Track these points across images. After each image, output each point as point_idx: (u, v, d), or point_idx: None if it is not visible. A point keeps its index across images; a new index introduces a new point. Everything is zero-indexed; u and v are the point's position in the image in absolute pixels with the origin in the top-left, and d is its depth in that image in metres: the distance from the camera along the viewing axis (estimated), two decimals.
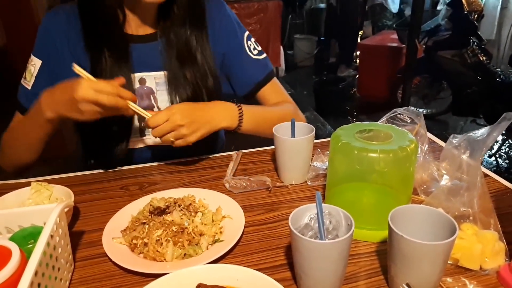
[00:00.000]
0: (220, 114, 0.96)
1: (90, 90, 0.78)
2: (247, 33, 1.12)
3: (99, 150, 1.04)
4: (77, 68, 0.82)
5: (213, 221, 0.74)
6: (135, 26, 0.99)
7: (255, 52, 1.12)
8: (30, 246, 0.61)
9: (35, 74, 0.97)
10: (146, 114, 0.87)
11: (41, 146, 0.97)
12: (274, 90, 1.14)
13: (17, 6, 2.81)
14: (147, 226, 0.71)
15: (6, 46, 2.90)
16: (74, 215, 0.80)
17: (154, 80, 1.02)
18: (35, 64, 0.98)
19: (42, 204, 0.78)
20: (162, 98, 1.04)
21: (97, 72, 0.93)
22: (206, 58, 1.02)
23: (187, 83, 1.00)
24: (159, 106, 1.04)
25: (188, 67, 1.00)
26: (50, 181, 0.84)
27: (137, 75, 1.01)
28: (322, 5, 6.08)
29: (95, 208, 0.84)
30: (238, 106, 0.99)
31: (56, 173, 0.99)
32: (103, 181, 0.96)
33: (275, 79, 1.15)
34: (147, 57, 1.01)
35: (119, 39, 0.96)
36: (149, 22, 1.00)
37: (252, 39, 1.13)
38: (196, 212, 0.75)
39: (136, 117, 1.02)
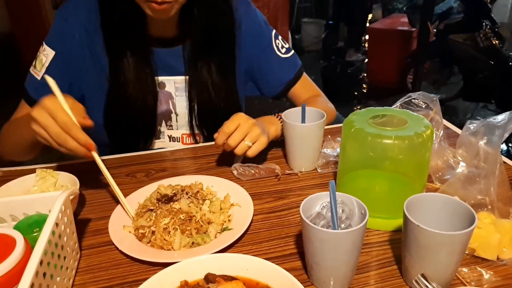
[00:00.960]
0: (267, 125, 0.92)
1: (44, 113, 0.69)
2: (274, 31, 1.08)
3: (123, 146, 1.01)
4: (49, 81, 0.72)
5: (221, 209, 0.73)
6: (157, 28, 0.95)
7: (283, 50, 1.08)
8: (35, 234, 0.60)
9: (46, 65, 0.93)
10: (105, 171, 0.76)
11: (39, 150, 0.93)
12: (304, 86, 1.12)
13: (26, 7, 2.80)
14: (154, 214, 0.70)
15: (11, 33, 2.89)
16: (79, 202, 0.79)
17: (174, 85, 1.00)
18: (47, 54, 0.94)
19: (47, 191, 0.76)
20: (181, 103, 1.02)
21: (117, 74, 0.92)
22: (230, 63, 0.99)
23: (207, 89, 0.97)
24: (177, 111, 1.02)
25: (210, 72, 0.97)
26: (55, 168, 0.83)
27: (157, 79, 0.98)
28: None
29: (101, 195, 0.82)
30: (277, 116, 0.96)
31: (62, 159, 0.98)
32: (109, 168, 0.93)
33: (304, 75, 1.12)
34: (169, 61, 0.98)
35: (141, 42, 0.93)
36: (172, 24, 0.96)
37: (280, 37, 1.09)
38: (204, 200, 0.73)
39: (161, 121, 1.02)
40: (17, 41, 2.78)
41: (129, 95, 0.94)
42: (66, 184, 0.78)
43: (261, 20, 1.07)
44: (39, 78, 0.94)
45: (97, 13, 0.92)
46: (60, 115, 0.68)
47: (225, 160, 0.94)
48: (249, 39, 1.01)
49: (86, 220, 0.75)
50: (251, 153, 0.85)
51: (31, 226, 0.62)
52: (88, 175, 0.89)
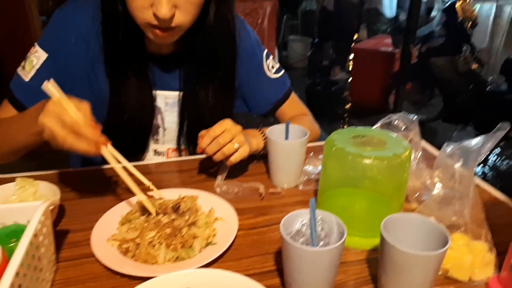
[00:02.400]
0: (250, 137, 0.93)
1: (50, 118, 0.68)
2: (266, 51, 1.10)
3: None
4: (49, 86, 0.71)
5: (206, 223, 0.73)
6: (154, 45, 0.94)
7: (273, 70, 1.10)
8: (12, 245, 0.59)
9: (37, 67, 0.91)
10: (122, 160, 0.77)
11: (25, 151, 0.90)
12: (292, 106, 1.14)
13: (12, 13, 2.77)
14: (139, 227, 0.70)
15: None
16: (59, 213, 0.78)
17: (165, 100, 1.00)
18: (39, 56, 0.91)
19: (27, 201, 0.76)
20: (170, 119, 1.02)
21: (116, 90, 0.92)
22: (229, 85, 1.01)
23: (202, 107, 0.98)
24: (165, 126, 1.03)
25: (207, 93, 0.98)
26: (36, 177, 0.82)
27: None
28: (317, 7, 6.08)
29: (82, 206, 0.82)
30: (260, 131, 0.98)
31: (43, 168, 0.96)
32: (91, 179, 0.93)
33: (293, 94, 1.14)
34: (163, 77, 0.98)
35: (140, 59, 0.93)
36: (170, 43, 0.94)
37: (271, 57, 1.11)
38: (190, 214, 0.74)
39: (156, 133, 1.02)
40: (4, 60, 2.75)
41: (127, 110, 0.94)
42: (47, 194, 0.78)
43: (254, 40, 1.08)
44: (27, 79, 0.92)
45: (94, 22, 0.90)
46: (66, 117, 0.68)
47: (209, 174, 0.94)
48: (242, 58, 1.03)
49: (64, 231, 0.74)
50: (234, 159, 0.86)
51: (8, 236, 0.61)
52: (69, 185, 0.88)
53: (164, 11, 0.76)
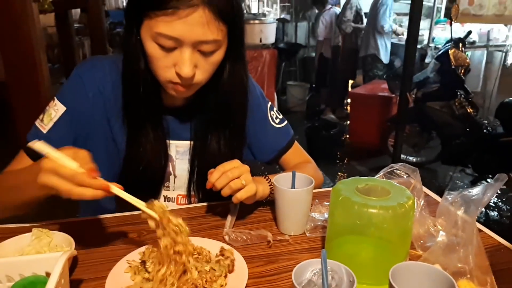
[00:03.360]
0: (256, 183, 0.95)
1: (48, 175, 0.71)
2: (269, 103, 1.17)
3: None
4: (38, 145, 0.73)
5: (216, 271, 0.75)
6: (169, 97, 0.98)
7: (277, 121, 1.16)
8: None
9: (55, 120, 0.95)
10: (135, 201, 0.79)
11: (36, 202, 0.89)
12: (295, 154, 1.19)
13: (17, 43, 2.88)
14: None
15: (3, 82, 2.94)
16: (72, 262, 0.79)
17: (175, 148, 1.05)
18: (58, 109, 0.96)
19: (42, 251, 0.77)
20: (181, 166, 1.06)
21: (134, 142, 0.96)
22: (240, 136, 1.06)
23: (213, 156, 1.01)
24: (176, 174, 1.06)
25: (219, 143, 1.02)
26: (48, 227, 0.84)
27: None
28: (314, 54, 6.30)
29: (95, 255, 0.83)
30: (265, 178, 1.02)
31: (48, 210, 0.96)
32: (101, 228, 0.95)
33: (295, 143, 1.20)
34: (175, 127, 1.03)
35: (156, 110, 0.98)
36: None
37: (274, 109, 1.18)
38: (207, 262, 0.76)
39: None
40: (9, 90, 2.83)
41: (143, 160, 0.98)
42: (61, 244, 0.79)
43: (259, 93, 1.15)
44: (44, 131, 0.95)
45: (113, 74, 0.95)
46: (62, 171, 0.70)
47: (218, 222, 0.97)
48: (249, 109, 1.07)
49: (78, 281, 0.75)
50: (240, 195, 0.89)
51: (26, 287, 0.63)
52: (82, 234, 0.90)
53: (187, 71, 0.83)
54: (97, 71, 0.98)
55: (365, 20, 5.21)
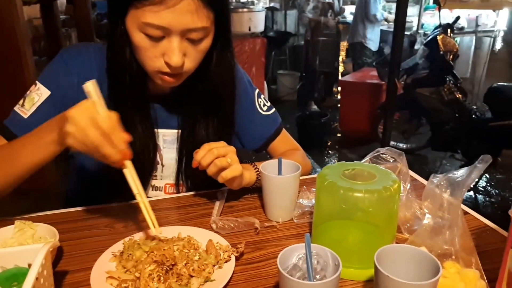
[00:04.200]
0: (243, 170, 0.95)
1: (83, 114, 0.70)
2: (257, 90, 1.15)
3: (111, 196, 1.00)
4: (88, 87, 0.74)
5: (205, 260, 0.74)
6: (156, 86, 0.96)
7: (265, 108, 1.15)
8: None
9: (38, 104, 0.92)
10: (138, 189, 0.80)
11: (27, 175, 0.86)
12: (283, 141, 1.18)
13: (0, 35, 2.83)
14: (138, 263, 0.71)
15: None
16: (57, 253, 0.78)
17: (163, 137, 1.04)
18: (41, 93, 0.93)
19: (25, 243, 0.76)
20: (169, 155, 1.05)
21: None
22: (228, 124, 1.05)
23: (199, 142, 0.99)
24: (163, 163, 1.05)
25: (207, 131, 1.01)
26: (33, 219, 0.83)
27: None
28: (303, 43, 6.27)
29: (79, 247, 0.82)
30: (252, 165, 1.01)
31: (35, 206, 0.96)
32: (87, 219, 0.94)
33: (283, 130, 1.19)
34: (163, 116, 1.02)
35: (144, 100, 0.97)
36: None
37: (262, 96, 1.16)
38: (195, 251, 0.75)
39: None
40: None
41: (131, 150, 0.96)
42: (45, 235, 0.78)
43: (247, 80, 1.14)
44: (26, 117, 0.92)
45: (99, 61, 0.93)
46: (100, 117, 0.71)
47: (205, 210, 0.96)
48: (237, 97, 1.07)
49: (64, 272, 0.74)
50: (225, 174, 0.89)
51: (8, 280, 0.62)
52: (66, 226, 0.89)
53: (176, 59, 0.82)
54: (83, 58, 0.96)
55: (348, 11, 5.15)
